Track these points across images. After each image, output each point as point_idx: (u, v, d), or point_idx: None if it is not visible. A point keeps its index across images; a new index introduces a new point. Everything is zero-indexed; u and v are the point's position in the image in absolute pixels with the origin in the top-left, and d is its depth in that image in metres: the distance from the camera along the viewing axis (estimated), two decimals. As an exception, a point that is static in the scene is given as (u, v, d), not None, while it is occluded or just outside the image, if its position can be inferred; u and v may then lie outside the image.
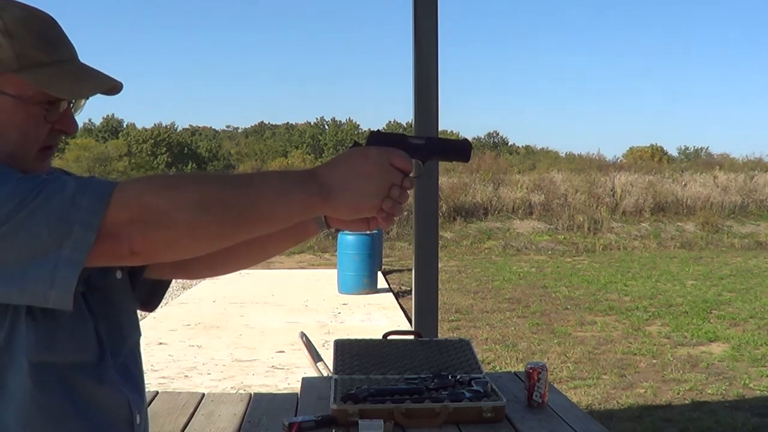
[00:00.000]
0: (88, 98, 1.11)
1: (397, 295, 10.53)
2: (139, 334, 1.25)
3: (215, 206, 0.94)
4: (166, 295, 1.42)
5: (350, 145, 1.11)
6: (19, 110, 1.03)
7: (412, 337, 2.92)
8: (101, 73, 1.09)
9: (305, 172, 1.02)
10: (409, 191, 1.07)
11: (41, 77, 1.03)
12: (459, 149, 1.20)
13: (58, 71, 1.05)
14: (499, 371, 5.73)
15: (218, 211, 0.94)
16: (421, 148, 1.16)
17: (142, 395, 1.20)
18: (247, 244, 1.08)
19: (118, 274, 1.17)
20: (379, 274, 11.77)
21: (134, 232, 0.91)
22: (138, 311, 1.29)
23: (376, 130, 1.17)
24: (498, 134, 51.50)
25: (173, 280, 1.43)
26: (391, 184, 1.05)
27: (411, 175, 1.08)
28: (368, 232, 1.26)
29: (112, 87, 1.09)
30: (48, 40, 1.05)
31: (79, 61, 1.10)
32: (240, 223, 0.97)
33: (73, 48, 1.10)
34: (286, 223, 1.04)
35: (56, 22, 1.08)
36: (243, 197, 0.96)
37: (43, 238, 0.89)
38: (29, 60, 1.02)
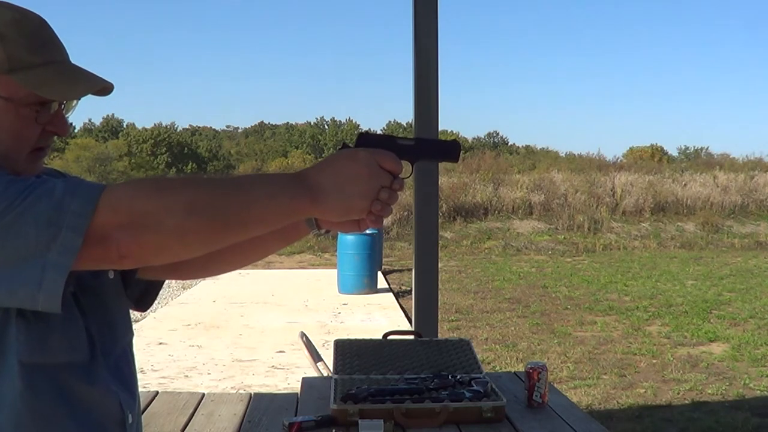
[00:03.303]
0: (79, 99, 1.10)
1: (397, 295, 10.52)
2: (132, 334, 1.25)
3: (204, 210, 0.94)
4: (167, 295, 1.42)
5: (339, 147, 1.11)
6: (10, 112, 1.03)
7: (412, 337, 2.92)
8: (92, 74, 1.09)
9: (294, 175, 1.02)
10: (398, 192, 1.06)
11: (32, 79, 1.02)
12: (448, 150, 1.19)
13: (49, 73, 1.04)
14: (499, 371, 5.72)
15: (207, 214, 0.94)
16: (410, 149, 1.15)
17: (134, 395, 1.20)
18: (239, 245, 1.08)
19: (111, 274, 1.17)
20: (379, 274, 11.76)
21: (123, 236, 0.91)
22: (132, 311, 1.28)
23: (364, 131, 1.16)
24: (498, 134, 51.55)
25: (169, 280, 1.43)
26: (380, 186, 1.04)
27: (400, 176, 1.07)
28: (358, 232, 1.23)
29: (103, 88, 1.09)
30: (39, 41, 1.05)
31: (71, 62, 1.09)
32: (229, 226, 0.96)
33: (65, 49, 1.09)
34: (276, 226, 1.04)
35: (47, 23, 1.08)
36: (232, 200, 0.96)
37: (30, 240, 0.89)
38: (20, 62, 1.02)
